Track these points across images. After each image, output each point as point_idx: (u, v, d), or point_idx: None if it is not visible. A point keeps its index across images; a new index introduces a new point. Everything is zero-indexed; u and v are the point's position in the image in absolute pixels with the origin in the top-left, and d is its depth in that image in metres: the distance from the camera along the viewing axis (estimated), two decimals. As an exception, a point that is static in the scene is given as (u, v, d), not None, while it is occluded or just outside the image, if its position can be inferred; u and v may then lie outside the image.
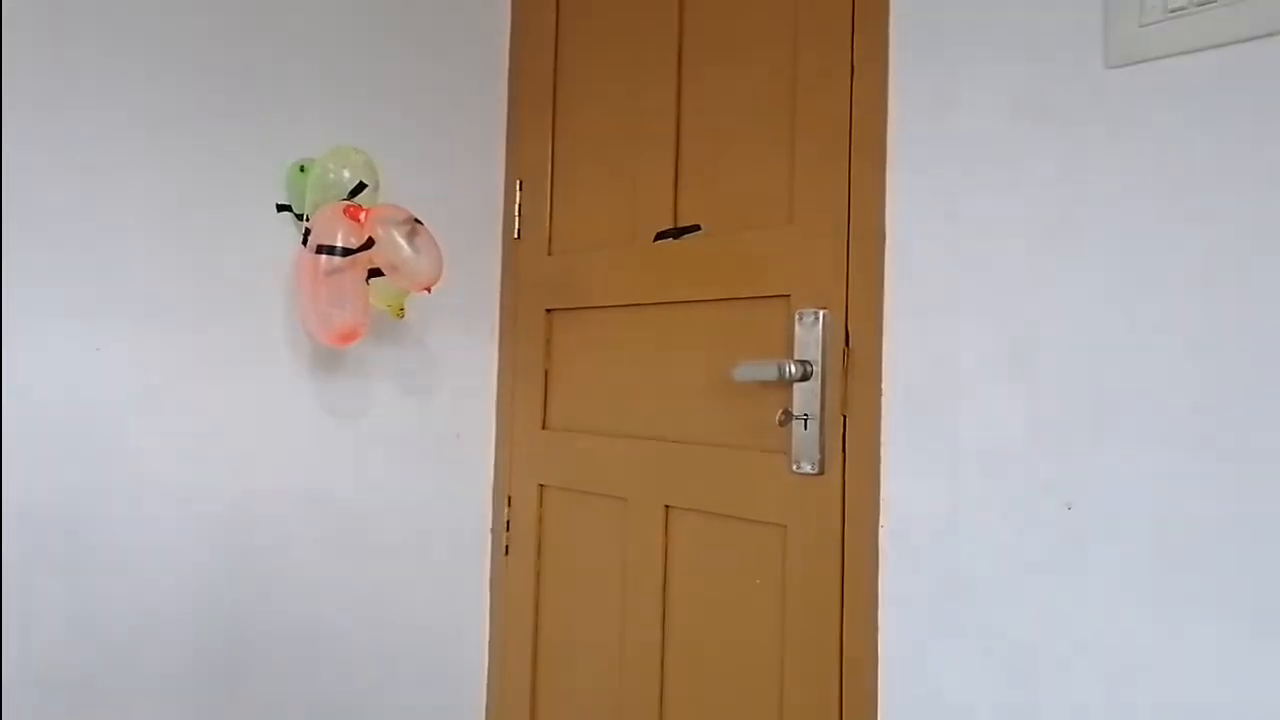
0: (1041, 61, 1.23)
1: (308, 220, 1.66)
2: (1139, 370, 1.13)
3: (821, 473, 1.46)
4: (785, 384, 1.51)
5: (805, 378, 1.46)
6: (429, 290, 1.69)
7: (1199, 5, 1.09)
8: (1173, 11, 1.11)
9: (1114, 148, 1.16)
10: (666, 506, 1.71)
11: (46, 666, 1.50)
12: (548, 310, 1.98)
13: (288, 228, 1.74)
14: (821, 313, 1.46)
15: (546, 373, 1.99)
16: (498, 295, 2.09)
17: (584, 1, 1.95)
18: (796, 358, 1.48)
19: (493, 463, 2.08)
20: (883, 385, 1.38)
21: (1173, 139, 1.12)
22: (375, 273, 1.67)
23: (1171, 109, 1.12)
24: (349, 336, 1.65)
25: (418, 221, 1.67)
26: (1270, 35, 1.05)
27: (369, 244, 1.62)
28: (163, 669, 1.62)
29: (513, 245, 2.07)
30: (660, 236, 1.74)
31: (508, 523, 2.04)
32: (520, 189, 2.06)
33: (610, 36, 1.89)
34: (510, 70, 2.10)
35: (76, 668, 1.53)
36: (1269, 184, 1.05)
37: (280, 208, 1.73)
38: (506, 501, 2.05)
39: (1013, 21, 1.26)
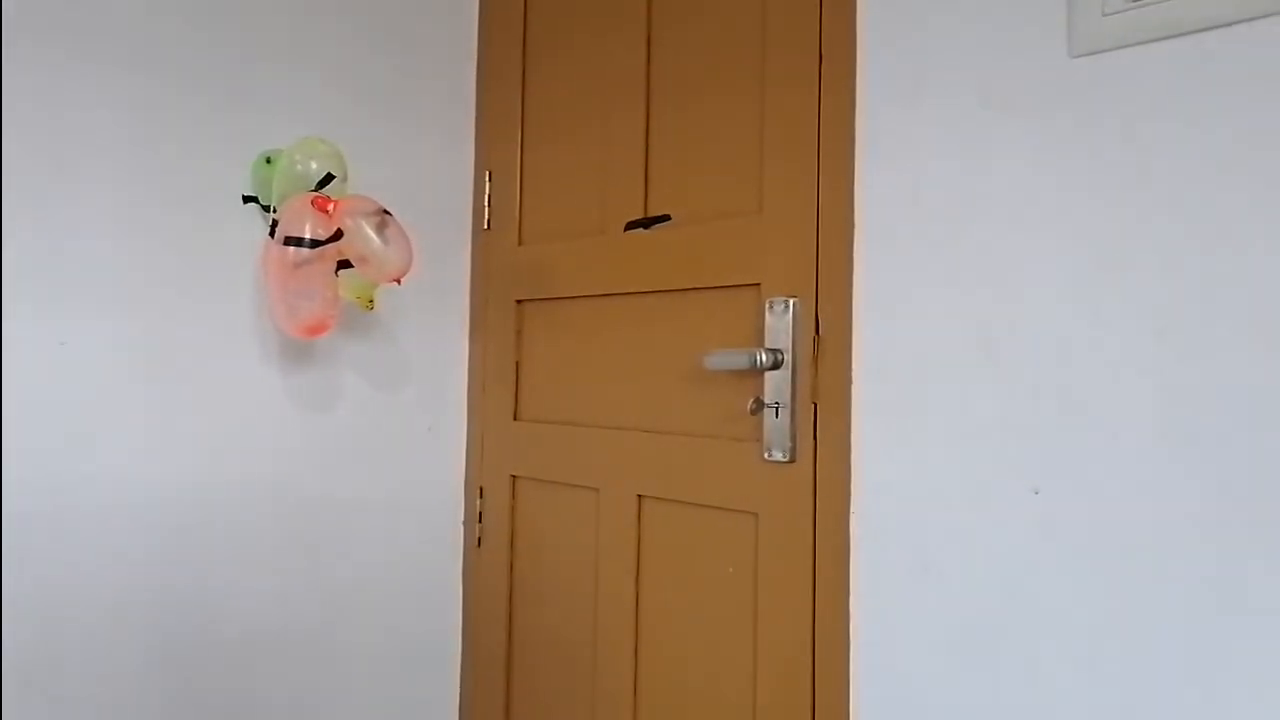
0: (1008, 50, 1.25)
1: (275, 212, 1.65)
2: (1104, 355, 1.15)
3: (793, 460, 1.47)
4: (756, 372, 1.51)
5: (776, 366, 1.47)
6: (399, 282, 1.69)
7: (1161, -5, 1.11)
8: (1135, 1, 1.13)
9: (1079, 136, 1.18)
10: (639, 496, 1.71)
11: (7, 664, 1.48)
12: (519, 301, 1.98)
13: (254, 219, 1.72)
14: (792, 301, 1.47)
15: (518, 364, 1.99)
16: (468, 286, 2.08)
17: (552, -9, 1.95)
18: (767, 346, 1.49)
19: (464, 454, 2.08)
20: (853, 373, 1.39)
21: (1136, 127, 1.13)
22: (344, 264, 1.66)
23: (1134, 97, 1.13)
24: (317, 329, 1.64)
25: (386, 213, 1.66)
26: (1229, 24, 1.06)
27: (337, 235, 1.61)
28: (127, 665, 1.60)
29: (483, 236, 2.06)
30: (630, 226, 1.75)
31: (480, 514, 2.04)
32: (490, 179, 2.05)
33: (579, 27, 1.88)
34: (479, 59, 2.09)
35: (38, 667, 1.51)
36: (1230, 171, 1.06)
37: (247, 199, 1.71)
38: (479, 493, 2.04)
39: (979, 11, 1.27)
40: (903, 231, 1.34)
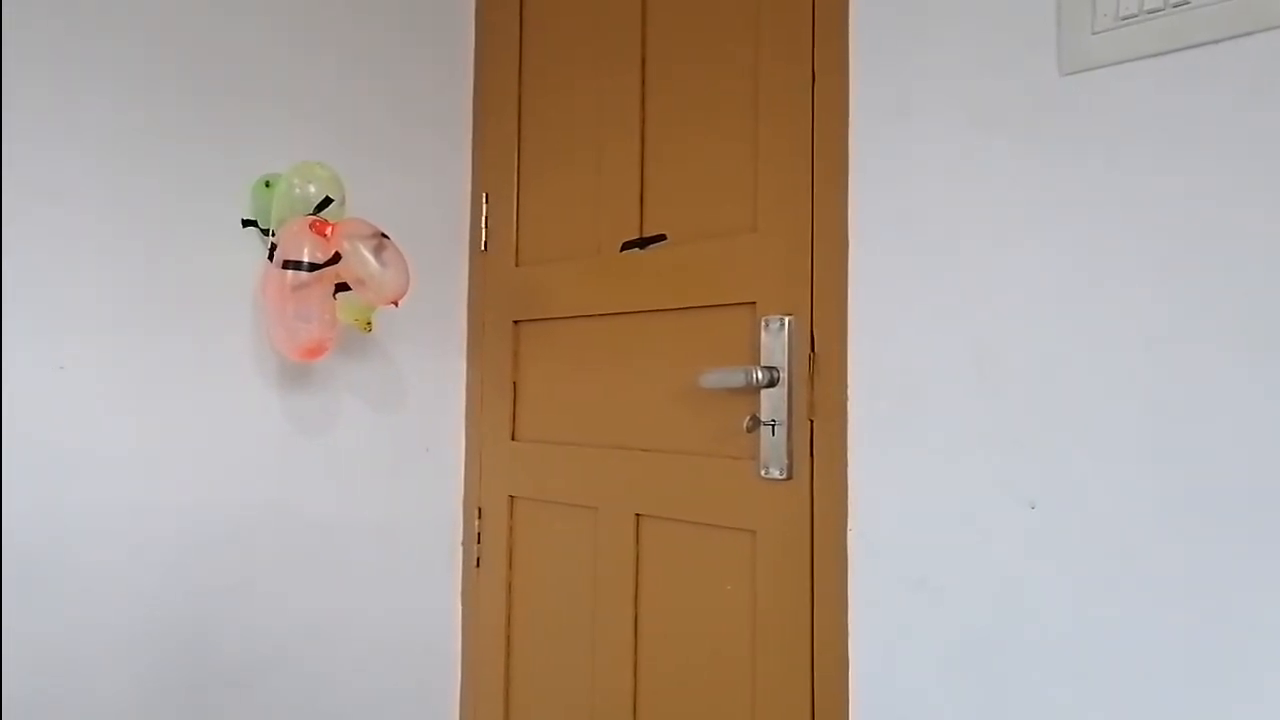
0: (998, 70, 1.26)
1: (274, 235, 1.66)
2: (1096, 370, 1.15)
3: (790, 478, 1.47)
4: (752, 390, 1.52)
5: (772, 384, 1.48)
6: (396, 304, 1.69)
7: (1150, 13, 1.12)
8: (1124, 19, 1.14)
9: (1069, 153, 1.19)
10: (637, 515, 1.72)
11: (6, 693, 1.48)
12: (515, 322, 1.99)
13: (253, 243, 1.73)
14: (787, 319, 1.48)
15: (515, 384, 1.99)
16: (465, 308, 2.09)
17: (548, 15, 1.96)
18: (763, 364, 1.50)
19: (462, 475, 2.08)
20: (848, 390, 1.40)
21: (1125, 144, 1.14)
22: (342, 287, 1.67)
23: (1124, 114, 1.14)
24: (316, 351, 1.65)
25: (384, 236, 1.67)
26: (1218, 41, 1.08)
27: (335, 259, 1.62)
28: (125, 691, 1.60)
29: (480, 258, 2.07)
30: (627, 246, 1.76)
31: (479, 535, 2.04)
32: (487, 201, 2.06)
33: (574, 50, 1.90)
34: (475, 83, 2.10)
35: (34, 693, 1.51)
36: (1218, 188, 1.07)
37: (246, 223, 1.72)
38: (477, 514, 2.04)
39: (969, 31, 1.29)
40: (896, 249, 1.35)
